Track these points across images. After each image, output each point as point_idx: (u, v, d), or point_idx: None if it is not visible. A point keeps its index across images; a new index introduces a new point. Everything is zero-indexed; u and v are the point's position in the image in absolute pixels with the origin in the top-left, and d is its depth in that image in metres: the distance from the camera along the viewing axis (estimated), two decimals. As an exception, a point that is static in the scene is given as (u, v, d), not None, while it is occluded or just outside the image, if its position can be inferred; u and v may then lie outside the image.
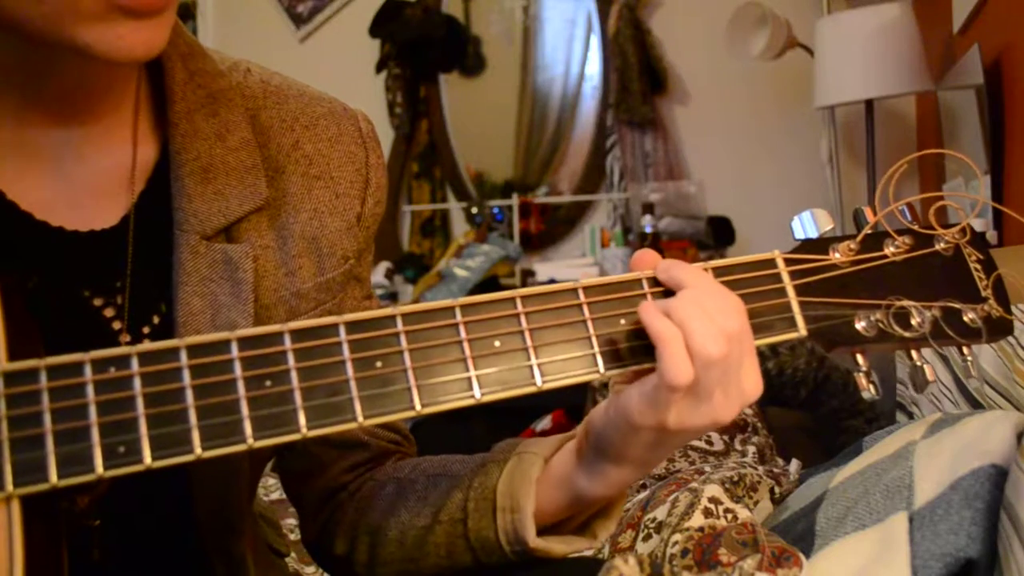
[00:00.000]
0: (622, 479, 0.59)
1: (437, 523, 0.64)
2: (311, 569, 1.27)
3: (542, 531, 0.62)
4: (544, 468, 0.62)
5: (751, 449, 1.44)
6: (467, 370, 0.51)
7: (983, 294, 0.62)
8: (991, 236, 1.69)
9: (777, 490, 1.11)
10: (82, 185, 0.61)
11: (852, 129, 2.78)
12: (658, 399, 0.52)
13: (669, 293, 0.55)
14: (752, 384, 0.54)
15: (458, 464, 0.67)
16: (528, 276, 2.91)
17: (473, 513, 0.62)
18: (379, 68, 3.21)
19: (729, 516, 0.96)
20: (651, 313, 0.52)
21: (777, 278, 0.59)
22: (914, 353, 0.62)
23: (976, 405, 1.12)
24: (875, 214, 0.62)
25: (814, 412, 1.83)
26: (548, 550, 0.61)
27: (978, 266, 0.63)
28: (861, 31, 2.18)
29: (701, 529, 0.93)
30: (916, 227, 0.62)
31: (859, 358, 0.61)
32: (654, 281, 0.56)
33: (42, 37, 0.51)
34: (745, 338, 0.54)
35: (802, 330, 0.58)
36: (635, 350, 0.54)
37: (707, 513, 0.96)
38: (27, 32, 0.51)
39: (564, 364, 0.53)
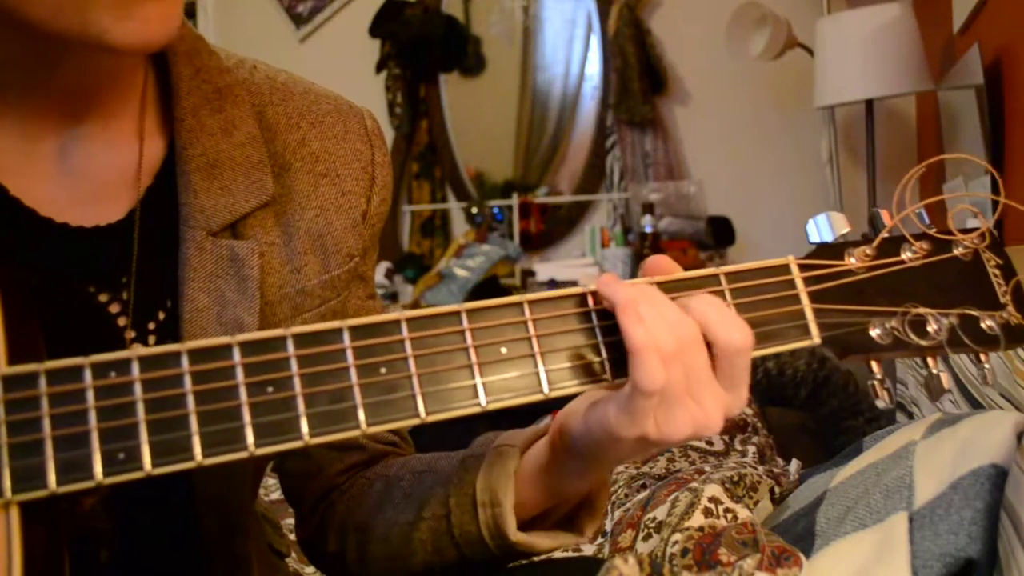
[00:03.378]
0: (599, 476, 0.59)
1: (421, 519, 0.64)
2: (311, 570, 1.27)
3: (527, 523, 0.62)
4: (520, 461, 0.61)
5: (751, 449, 1.44)
6: (473, 377, 0.49)
7: (1002, 300, 0.60)
8: (991, 236, 1.68)
9: (777, 490, 1.11)
10: (87, 181, 0.60)
11: (852, 129, 2.78)
12: (634, 407, 0.50)
13: None
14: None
15: (444, 460, 0.67)
16: (528, 276, 2.91)
17: (455, 509, 0.62)
18: (379, 68, 3.20)
19: (729, 516, 0.96)
20: (630, 320, 0.50)
21: (791, 284, 0.57)
22: (930, 361, 0.60)
23: (976, 405, 1.12)
24: (892, 218, 0.59)
25: (814, 412, 1.83)
26: (531, 544, 0.60)
27: (997, 271, 0.61)
28: (861, 31, 2.17)
29: (701, 529, 0.93)
30: (934, 232, 0.60)
31: (873, 366, 0.58)
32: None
33: (51, 28, 0.50)
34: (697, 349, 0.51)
35: (816, 338, 0.56)
36: None
37: (707, 513, 0.96)
38: (34, 23, 0.50)
39: (572, 371, 0.51)
